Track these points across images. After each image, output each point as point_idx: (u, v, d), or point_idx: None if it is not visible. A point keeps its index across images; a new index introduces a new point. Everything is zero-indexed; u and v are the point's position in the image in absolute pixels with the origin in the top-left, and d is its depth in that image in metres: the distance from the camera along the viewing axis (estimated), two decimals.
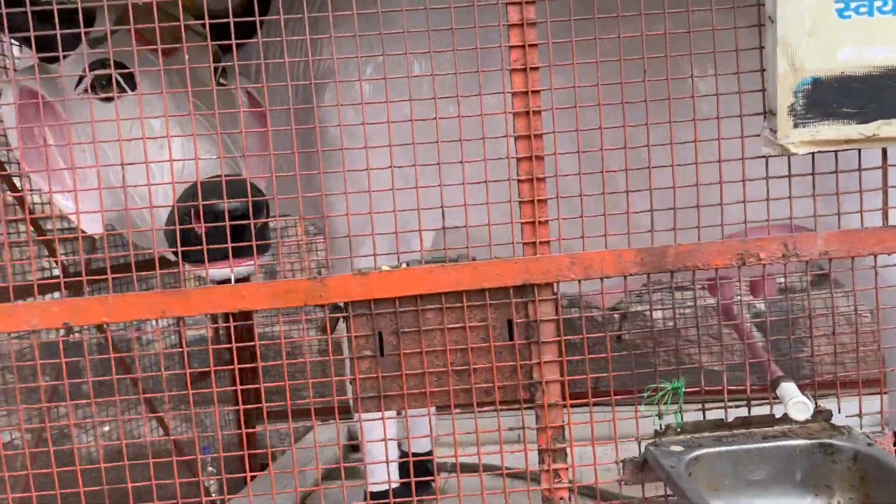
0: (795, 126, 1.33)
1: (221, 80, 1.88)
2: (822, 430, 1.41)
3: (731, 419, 1.45)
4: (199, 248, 1.40)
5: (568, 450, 1.37)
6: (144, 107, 1.47)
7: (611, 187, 1.44)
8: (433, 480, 2.02)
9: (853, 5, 1.32)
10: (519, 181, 1.34)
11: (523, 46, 1.30)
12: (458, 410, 1.43)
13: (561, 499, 1.35)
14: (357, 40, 1.43)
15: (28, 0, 1.31)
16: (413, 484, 1.73)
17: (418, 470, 2.01)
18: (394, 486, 1.84)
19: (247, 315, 3.05)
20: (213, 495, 2.58)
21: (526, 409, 1.41)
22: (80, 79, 1.63)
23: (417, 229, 1.49)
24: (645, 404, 1.41)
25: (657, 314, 3.45)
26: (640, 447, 1.40)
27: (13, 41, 1.67)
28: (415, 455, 2.24)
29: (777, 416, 1.44)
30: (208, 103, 1.49)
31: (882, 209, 1.44)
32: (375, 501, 1.87)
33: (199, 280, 1.79)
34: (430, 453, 2.47)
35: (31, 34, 1.36)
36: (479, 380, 1.34)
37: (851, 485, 1.35)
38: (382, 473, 1.84)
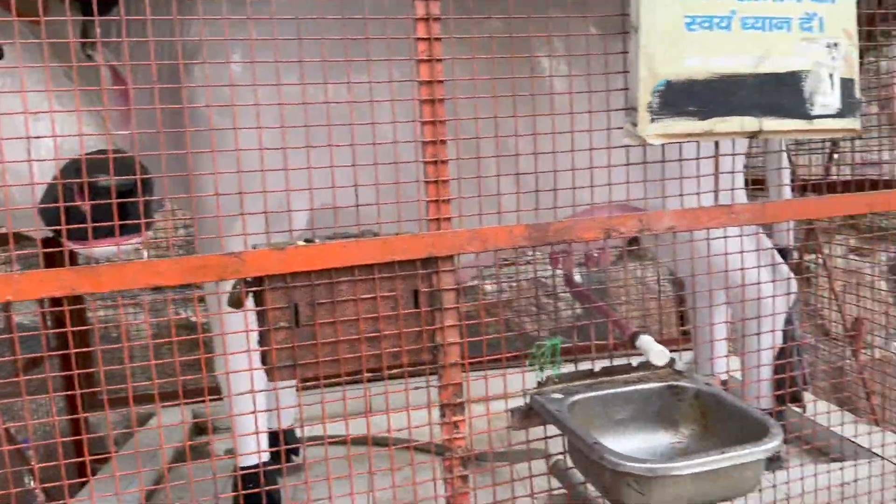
0: (652, 121, 1.50)
1: (90, 53, 1.79)
2: (669, 375, 1.66)
3: (597, 369, 1.66)
4: (84, 225, 1.36)
5: (465, 405, 1.50)
6: (7, 77, 1.40)
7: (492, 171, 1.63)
8: (299, 453, 2.06)
9: (698, 20, 1.52)
10: (425, 163, 1.42)
11: (429, 39, 1.38)
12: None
13: (459, 447, 1.46)
14: (226, 22, 1.42)
15: None
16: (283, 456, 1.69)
17: (286, 444, 2.03)
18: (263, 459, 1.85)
19: (78, 299, 2.89)
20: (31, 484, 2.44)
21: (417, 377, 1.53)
22: None
23: (287, 210, 1.57)
24: (529, 362, 1.59)
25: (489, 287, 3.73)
26: (525, 398, 1.58)
27: None
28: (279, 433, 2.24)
29: (634, 364, 1.69)
30: (77, 78, 1.42)
31: (714, 191, 1.72)
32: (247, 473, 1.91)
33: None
34: (292, 432, 2.49)
35: None
36: (388, 345, 1.43)
37: (694, 419, 1.60)
38: (253, 447, 1.83)
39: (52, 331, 3.06)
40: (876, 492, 1.93)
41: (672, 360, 1.67)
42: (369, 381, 1.47)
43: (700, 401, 1.60)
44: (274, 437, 2.00)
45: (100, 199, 1.41)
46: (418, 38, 1.39)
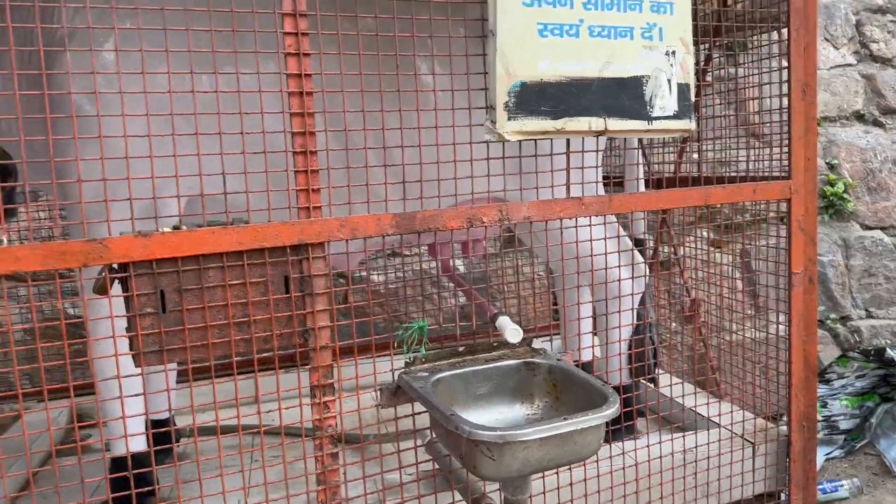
0: (509, 119, 1.57)
1: None
2: (525, 353, 1.74)
3: (460, 350, 1.72)
4: None
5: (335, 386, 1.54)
6: None
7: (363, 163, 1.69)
8: (174, 446, 2.02)
9: (550, 27, 1.59)
10: (295, 153, 1.45)
11: (296, 34, 1.42)
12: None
13: (329, 426, 1.50)
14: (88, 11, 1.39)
15: None
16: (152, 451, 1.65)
17: (161, 436, 1.96)
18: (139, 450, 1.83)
19: None
20: None
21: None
22: None
23: (153, 197, 1.54)
24: (396, 342, 1.65)
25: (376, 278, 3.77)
26: (393, 377, 1.64)
27: None
28: (156, 423, 2.19)
29: (494, 343, 1.76)
30: None
31: (565, 185, 1.84)
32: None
33: None
34: (167, 422, 2.44)
35: None
36: (258, 330, 1.45)
37: (547, 391, 1.68)
38: (123, 437, 1.81)
39: None
40: (714, 456, 2.05)
41: (527, 339, 1.75)
42: (241, 371, 1.49)
43: (552, 375, 1.67)
44: (153, 425, 1.98)
45: None
46: (286, 33, 1.42)
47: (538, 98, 1.61)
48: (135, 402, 1.68)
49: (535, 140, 1.68)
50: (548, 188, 1.90)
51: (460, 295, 3.34)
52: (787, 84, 1.99)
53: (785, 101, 2.01)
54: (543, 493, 1.75)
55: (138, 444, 1.90)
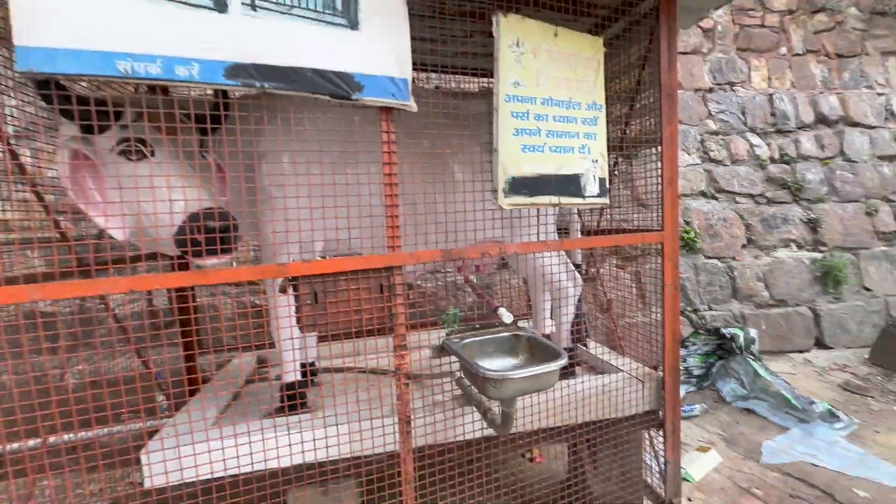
0: (505, 196, 1.60)
1: (204, 153, 1.79)
2: (514, 329, 1.75)
3: (478, 327, 1.74)
4: (198, 248, 1.37)
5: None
6: (157, 166, 1.42)
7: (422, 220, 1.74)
8: (315, 378, 2.01)
9: (527, 147, 1.62)
10: (386, 216, 1.49)
11: (388, 143, 1.45)
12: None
13: (404, 367, 1.52)
14: (280, 136, 1.50)
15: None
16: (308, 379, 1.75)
17: (309, 372, 1.99)
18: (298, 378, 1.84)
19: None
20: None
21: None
22: (115, 145, 1.43)
23: (311, 240, 1.61)
24: (441, 321, 1.69)
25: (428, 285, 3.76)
26: (439, 342, 1.68)
27: (64, 117, 1.43)
28: (305, 364, 2.21)
29: (496, 324, 1.78)
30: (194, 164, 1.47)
31: (538, 233, 1.89)
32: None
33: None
34: (313, 363, 2.47)
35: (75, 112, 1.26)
36: (367, 314, 1.51)
37: (526, 351, 1.69)
38: (292, 371, 1.79)
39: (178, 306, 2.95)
40: (620, 390, 2.03)
41: (515, 321, 1.77)
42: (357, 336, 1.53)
43: (529, 342, 1.68)
44: (304, 366, 1.99)
45: (209, 234, 1.39)
46: (384, 143, 1.46)
47: (521, 185, 1.63)
48: (297, 353, 1.76)
49: (519, 208, 1.69)
50: (526, 234, 1.96)
51: (474, 295, 3.39)
52: (661, 177, 1.99)
53: (660, 186, 2.01)
54: (523, 407, 1.77)
55: (297, 376, 1.95)
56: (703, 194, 4.74)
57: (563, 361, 1.45)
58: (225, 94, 1.56)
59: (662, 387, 2.08)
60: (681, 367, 2.07)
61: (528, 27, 1.64)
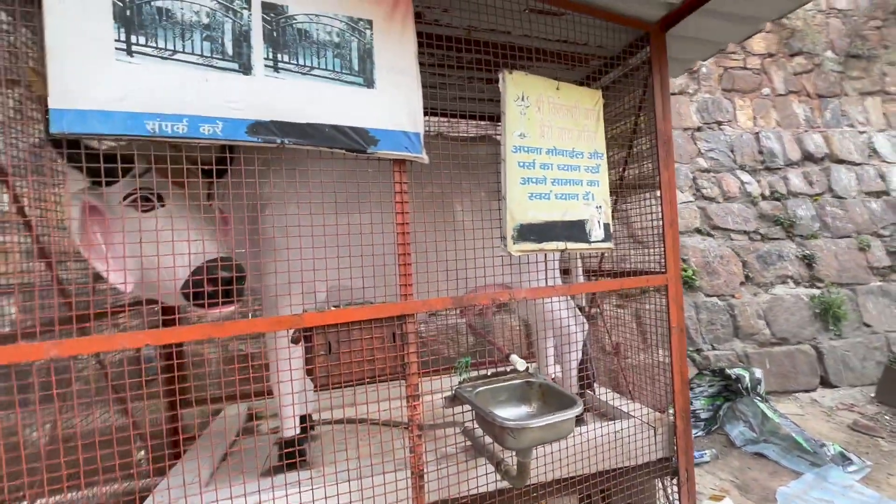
0: (514, 243, 1.67)
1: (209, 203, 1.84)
2: (526, 376, 1.76)
3: (489, 375, 1.75)
4: (202, 300, 1.41)
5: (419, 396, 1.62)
6: (166, 217, 1.46)
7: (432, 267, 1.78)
8: (314, 431, 1.97)
9: (534, 195, 1.69)
10: (399, 263, 1.54)
11: (401, 194, 1.52)
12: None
13: (416, 419, 1.54)
14: (284, 185, 1.54)
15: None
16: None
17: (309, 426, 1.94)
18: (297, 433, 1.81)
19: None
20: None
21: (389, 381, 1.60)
22: (125, 196, 1.50)
23: (313, 290, 1.61)
24: (455, 369, 1.72)
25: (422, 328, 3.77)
26: (452, 390, 1.68)
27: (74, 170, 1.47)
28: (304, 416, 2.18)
29: (507, 371, 1.79)
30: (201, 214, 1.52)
31: (545, 278, 1.96)
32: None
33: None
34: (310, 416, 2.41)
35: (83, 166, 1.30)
36: (380, 363, 1.56)
37: (538, 398, 1.69)
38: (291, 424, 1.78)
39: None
40: (632, 436, 2.05)
41: (528, 367, 1.77)
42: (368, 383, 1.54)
43: (542, 389, 1.70)
44: (302, 418, 1.97)
45: (218, 285, 1.43)
46: (397, 193, 1.53)
47: (529, 232, 1.71)
48: (298, 406, 1.74)
49: (527, 254, 1.75)
50: (533, 279, 2.02)
51: (472, 338, 3.39)
52: (662, 220, 2.08)
53: (661, 230, 2.09)
54: (536, 457, 1.77)
55: (297, 430, 1.92)
56: (699, 231, 4.92)
57: (580, 409, 1.47)
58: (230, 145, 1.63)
59: (674, 432, 2.10)
60: None
61: (531, 82, 1.78)
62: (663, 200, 2.11)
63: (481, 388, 1.67)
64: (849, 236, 5.31)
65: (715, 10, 1.99)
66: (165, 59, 1.29)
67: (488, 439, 1.71)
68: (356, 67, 1.50)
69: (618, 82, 2.45)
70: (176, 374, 1.47)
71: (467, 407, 1.64)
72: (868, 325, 4.89)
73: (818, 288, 4.93)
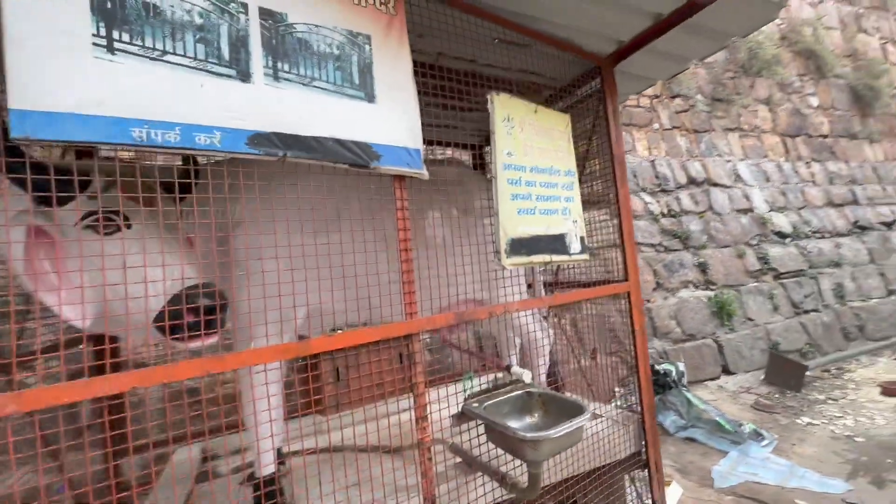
0: (508, 257, 1.65)
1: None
2: (525, 386, 1.73)
3: (491, 388, 1.70)
4: (181, 332, 1.22)
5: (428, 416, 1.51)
6: (135, 242, 1.24)
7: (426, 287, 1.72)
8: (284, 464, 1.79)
9: (521, 210, 1.70)
10: (403, 282, 1.47)
11: (403, 210, 1.46)
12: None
13: (426, 440, 1.44)
14: (257, 200, 1.40)
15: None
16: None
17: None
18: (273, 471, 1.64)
19: None
20: None
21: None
22: (84, 216, 1.25)
23: (294, 317, 1.44)
24: (461, 385, 1.64)
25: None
26: (458, 407, 1.61)
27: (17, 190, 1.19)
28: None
29: (506, 381, 1.76)
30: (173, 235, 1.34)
31: (528, 290, 1.96)
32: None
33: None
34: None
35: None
36: (388, 384, 1.44)
37: (539, 409, 1.67)
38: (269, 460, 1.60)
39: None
40: (608, 435, 2.07)
41: (528, 378, 1.76)
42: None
43: (542, 398, 1.69)
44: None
45: (194, 316, 1.24)
46: (398, 210, 1.46)
47: (519, 246, 1.71)
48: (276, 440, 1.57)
49: (515, 267, 1.72)
50: (502, 292, 1.99)
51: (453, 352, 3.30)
52: (620, 233, 2.22)
53: (619, 240, 2.23)
54: (514, 466, 1.66)
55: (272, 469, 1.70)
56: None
57: (589, 413, 1.47)
58: (195, 159, 1.45)
59: (643, 427, 2.18)
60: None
61: (514, 104, 1.81)
62: (620, 214, 2.24)
63: (488, 403, 1.62)
64: (728, 246, 6.08)
65: (655, 49, 2.19)
66: (154, 59, 1.10)
67: (484, 456, 1.66)
68: (357, 81, 1.41)
69: (567, 110, 2.58)
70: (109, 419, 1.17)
71: (471, 422, 1.57)
72: (751, 319, 5.59)
73: (712, 290, 5.56)
